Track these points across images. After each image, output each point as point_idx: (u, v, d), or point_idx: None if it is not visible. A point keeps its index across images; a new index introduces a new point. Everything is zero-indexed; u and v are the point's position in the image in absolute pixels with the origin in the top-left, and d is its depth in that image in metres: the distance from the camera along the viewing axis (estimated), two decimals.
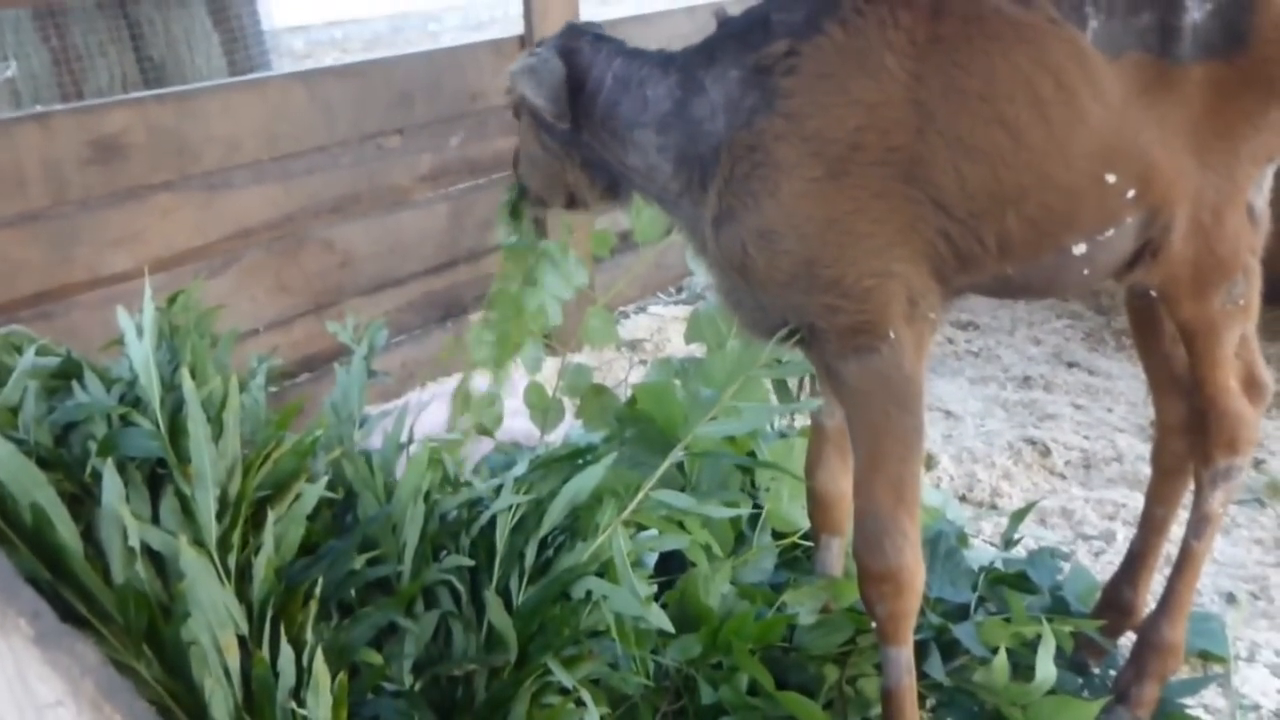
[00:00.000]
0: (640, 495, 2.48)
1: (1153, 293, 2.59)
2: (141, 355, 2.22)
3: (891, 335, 2.32)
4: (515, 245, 3.21)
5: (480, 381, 3.41)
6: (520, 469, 2.52)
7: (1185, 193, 2.39)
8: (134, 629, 1.98)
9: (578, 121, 2.54)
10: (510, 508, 2.40)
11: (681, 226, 2.61)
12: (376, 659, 2.22)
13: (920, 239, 2.31)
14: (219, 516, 2.12)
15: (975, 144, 2.25)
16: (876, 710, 2.75)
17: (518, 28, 4.98)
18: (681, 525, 2.71)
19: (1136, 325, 2.91)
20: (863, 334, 2.32)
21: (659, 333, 5.44)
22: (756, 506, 3.19)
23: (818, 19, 2.28)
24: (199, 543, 2.07)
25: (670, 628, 2.42)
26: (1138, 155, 2.32)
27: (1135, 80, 2.29)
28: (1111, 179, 2.32)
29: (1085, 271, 2.46)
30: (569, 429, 3.55)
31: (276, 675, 2.02)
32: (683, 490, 2.91)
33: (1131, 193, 2.35)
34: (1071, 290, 2.62)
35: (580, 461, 2.52)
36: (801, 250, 2.30)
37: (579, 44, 2.56)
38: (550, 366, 3.62)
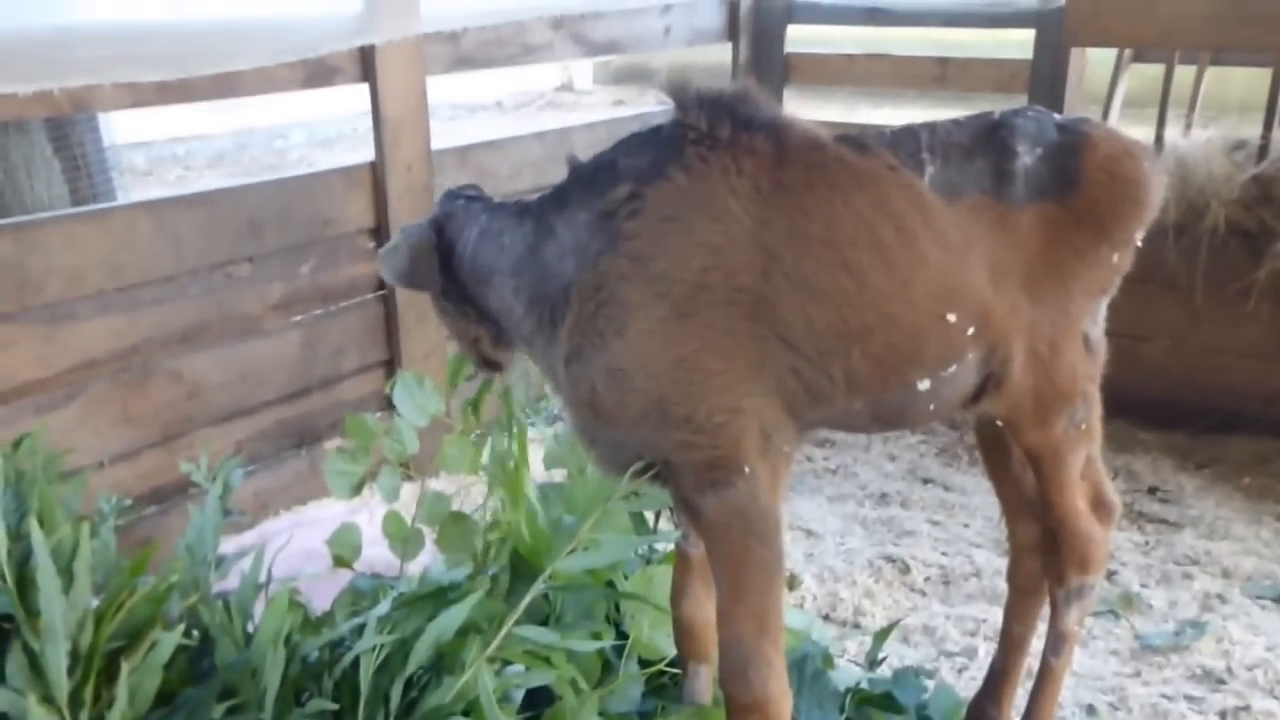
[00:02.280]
0: (505, 630, 2.51)
1: (999, 422, 2.73)
2: None
3: (746, 470, 2.39)
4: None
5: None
6: (384, 607, 2.52)
7: (1020, 328, 2.54)
8: None
9: (452, 283, 2.64)
10: (374, 648, 2.40)
11: (539, 366, 2.68)
12: None
13: (770, 375, 2.40)
14: (70, 671, 2.10)
15: (820, 286, 2.36)
16: None
17: (366, 144, 5.04)
18: (547, 660, 2.73)
19: (986, 452, 3.05)
20: (718, 469, 2.39)
21: None
22: (621, 634, 3.23)
23: (662, 164, 2.38)
24: (49, 700, 2.05)
25: None
26: (976, 294, 2.47)
27: (973, 222, 2.45)
28: (952, 317, 2.45)
29: (931, 406, 2.58)
30: (430, 559, 3.55)
31: None
32: (546, 621, 2.93)
33: (971, 330, 2.48)
34: (919, 423, 2.74)
35: (445, 599, 2.53)
36: (651, 388, 2.36)
37: (453, 208, 2.67)
38: (408, 492, 3.62)
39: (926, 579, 4.43)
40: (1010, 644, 3.16)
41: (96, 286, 4.09)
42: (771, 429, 2.43)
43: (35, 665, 2.08)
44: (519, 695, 2.76)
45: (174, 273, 4.31)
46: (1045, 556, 2.94)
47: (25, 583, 2.13)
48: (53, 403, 4.00)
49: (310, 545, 3.67)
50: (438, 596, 2.51)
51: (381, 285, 5.13)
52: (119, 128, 9.67)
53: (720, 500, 2.41)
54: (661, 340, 2.35)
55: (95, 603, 2.21)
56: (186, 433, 4.43)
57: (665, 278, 2.34)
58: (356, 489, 3.47)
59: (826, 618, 4.15)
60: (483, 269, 2.58)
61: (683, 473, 2.43)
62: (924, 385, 2.52)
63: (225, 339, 4.53)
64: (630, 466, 2.52)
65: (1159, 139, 5.60)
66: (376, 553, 3.59)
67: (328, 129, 14.17)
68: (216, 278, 4.48)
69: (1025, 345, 2.56)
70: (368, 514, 3.97)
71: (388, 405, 3.56)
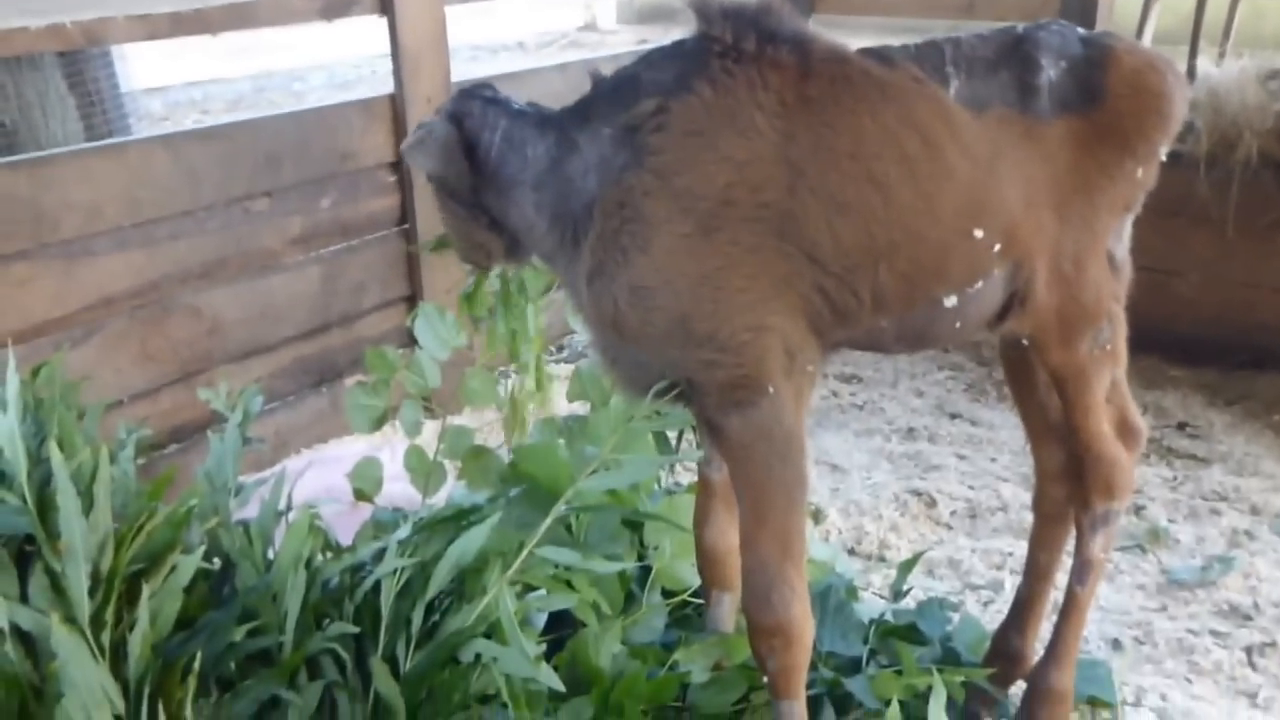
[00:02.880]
0: (525, 553, 2.52)
1: (1024, 341, 2.72)
2: (6, 429, 2.22)
3: (770, 389, 2.39)
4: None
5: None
6: (404, 532, 2.54)
7: (1046, 245, 2.54)
8: (4, 712, 1.96)
9: (476, 181, 2.59)
10: (395, 572, 2.42)
11: (562, 284, 2.68)
12: None
13: (795, 293, 2.40)
14: (91, 593, 2.12)
15: (846, 201, 2.36)
16: None
17: (386, 86, 5.02)
18: (570, 585, 2.75)
19: (1011, 375, 3.04)
20: (741, 388, 2.39)
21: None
22: (645, 565, 3.24)
23: (687, 78, 2.37)
24: (71, 621, 2.07)
25: (562, 687, 2.45)
26: (1003, 208, 2.46)
27: (999, 135, 2.43)
28: (979, 233, 2.45)
29: (957, 323, 2.58)
30: (451, 491, 3.57)
31: None
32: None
33: (998, 246, 2.48)
34: (945, 342, 2.74)
35: (465, 522, 2.54)
36: (674, 305, 2.36)
37: (470, 107, 2.61)
38: (430, 429, 3.63)
39: (952, 513, 4.43)
40: (1036, 573, 3.16)
41: (114, 222, 4.10)
42: (796, 348, 2.43)
43: (57, 586, 2.11)
44: (541, 619, 2.78)
45: (191, 208, 4.32)
46: (1070, 483, 2.93)
47: (46, 505, 2.15)
48: (71, 340, 4.02)
49: (331, 482, 3.69)
50: (458, 520, 2.53)
51: (403, 219, 5.13)
52: (136, 73, 9.69)
53: (744, 420, 2.41)
54: (685, 257, 2.34)
55: (115, 527, 2.23)
56: (206, 370, 4.45)
57: (690, 193, 2.34)
58: (377, 423, 3.48)
59: (851, 551, 4.16)
60: (505, 180, 2.55)
61: (706, 392, 2.44)
62: (950, 302, 2.52)
63: (244, 275, 4.55)
64: (653, 386, 2.52)
65: (1190, 69, 5.52)
66: (398, 488, 3.61)
67: (346, 71, 14.14)
68: (235, 212, 4.48)
69: (1050, 263, 2.55)
70: (389, 451, 3.98)
71: (409, 342, 3.55)
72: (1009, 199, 2.46)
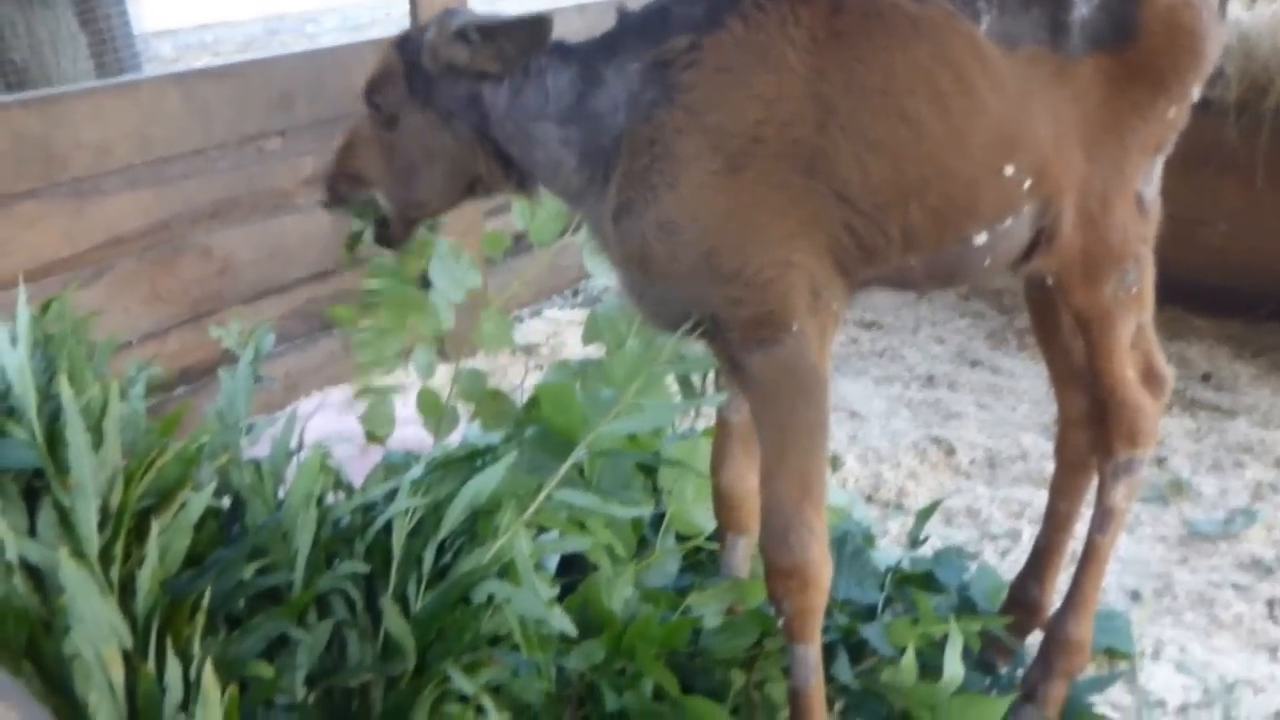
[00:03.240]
0: (542, 496, 2.52)
1: (1049, 282, 2.70)
2: (16, 364, 2.21)
3: (795, 327, 2.40)
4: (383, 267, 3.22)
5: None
6: (417, 472, 2.54)
7: (1074, 183, 2.52)
8: (13, 644, 1.98)
9: (465, 111, 2.55)
10: (407, 511, 2.41)
11: (585, 222, 2.66)
12: (267, 671, 2.22)
13: (822, 232, 2.40)
14: (100, 528, 2.13)
15: (877, 137, 2.36)
16: (784, 714, 2.80)
17: (402, 28, 4.98)
18: (584, 528, 2.74)
19: (1036, 318, 3.02)
20: (766, 326, 2.40)
21: (555, 336, 5.47)
22: (659, 509, 3.24)
23: (719, 13, 2.36)
24: (79, 555, 2.07)
25: (574, 631, 2.45)
26: (1034, 145, 2.45)
27: (1031, 72, 2.41)
28: (1009, 169, 2.44)
29: (986, 261, 2.57)
30: (465, 432, 3.57)
31: (163, 690, 2.03)
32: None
33: (1028, 183, 2.47)
34: (972, 281, 2.72)
35: (478, 463, 2.54)
36: (701, 242, 2.36)
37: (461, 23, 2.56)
38: (443, 372, 3.63)
39: (972, 461, 4.42)
40: (1055, 522, 3.15)
41: (124, 161, 4.09)
42: (821, 286, 2.43)
43: (66, 521, 2.11)
44: (553, 562, 2.78)
45: (203, 146, 4.30)
46: (1093, 430, 2.91)
47: (55, 440, 2.15)
48: (81, 280, 4.02)
49: (343, 425, 3.69)
50: (471, 460, 2.52)
51: None
52: (146, 15, 9.65)
53: (767, 358, 2.42)
54: (714, 193, 2.35)
55: (124, 463, 2.23)
56: (216, 310, 4.45)
57: (720, 130, 2.34)
58: (390, 365, 3.47)
59: (869, 499, 4.16)
60: (525, 111, 2.52)
61: (730, 329, 2.44)
62: (980, 240, 2.51)
63: (256, 215, 4.53)
64: (677, 323, 2.52)
65: (1221, 12, 5.44)
66: (410, 432, 3.61)
67: (360, 14, 14.06)
68: (247, 152, 4.46)
69: (1078, 201, 2.54)
70: (401, 395, 3.98)
71: (423, 285, 3.54)
72: (1039, 136, 2.44)
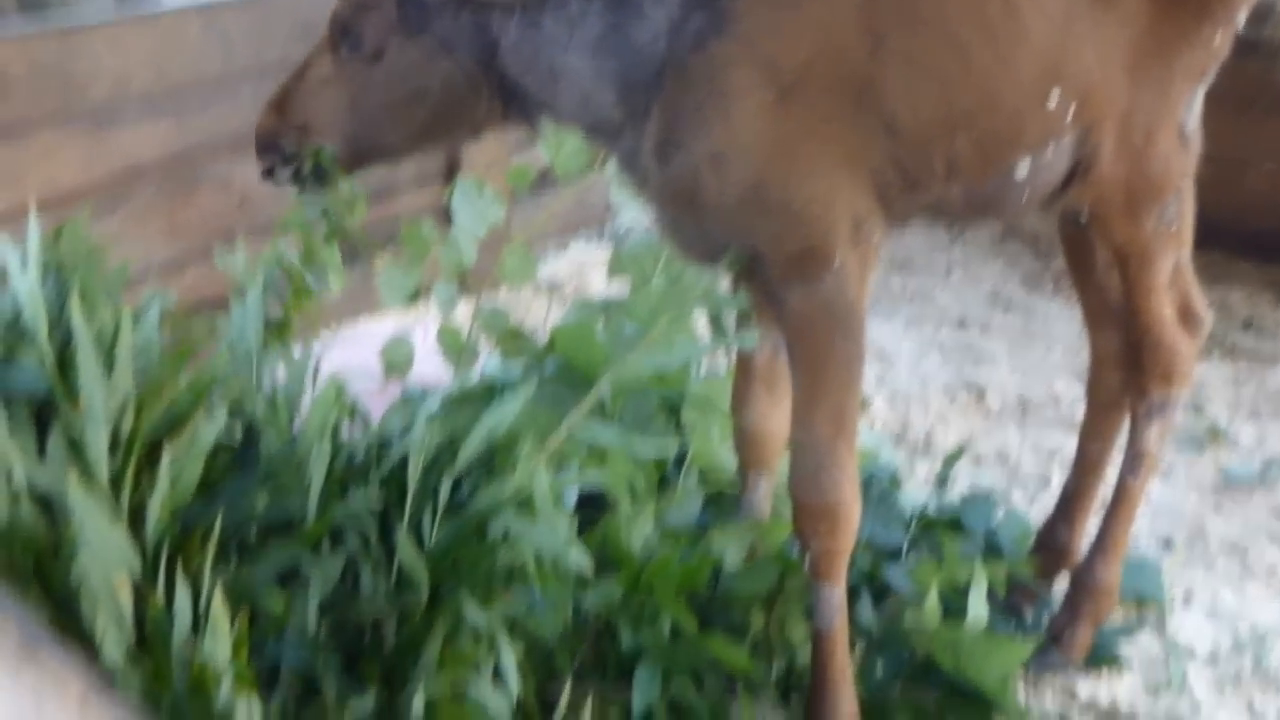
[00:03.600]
0: (562, 429, 2.50)
1: (1087, 216, 2.66)
2: (27, 287, 2.20)
3: (837, 261, 2.39)
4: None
5: None
6: (433, 404, 2.52)
7: (1117, 110, 2.50)
8: (20, 569, 1.97)
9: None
10: (423, 443, 2.40)
11: (616, 157, 2.61)
12: (279, 601, 2.23)
13: (868, 163, 2.40)
14: (111, 454, 2.13)
15: (926, 67, 2.36)
16: (804, 655, 2.80)
17: None
18: (604, 464, 2.73)
19: (1070, 255, 2.99)
20: (808, 260, 2.39)
21: (580, 274, 5.42)
22: (682, 448, 3.23)
23: None
24: (89, 481, 2.06)
25: (591, 568, 2.45)
26: (1079, 71, 2.43)
27: None
28: (1054, 97, 2.43)
29: (1026, 191, 2.56)
30: (484, 367, 3.55)
31: (172, 618, 2.03)
32: None
33: (1072, 109, 2.45)
34: (1008, 212, 2.68)
35: (496, 397, 2.51)
36: (750, 174, 2.35)
37: None
38: (464, 308, 3.60)
39: (1002, 405, 4.37)
40: (1086, 464, 3.12)
41: (143, 90, 4.06)
42: (863, 219, 2.42)
43: (76, 447, 2.11)
44: (572, 497, 2.76)
45: (223, 75, 4.26)
46: (1127, 370, 2.88)
47: (65, 364, 2.15)
48: (98, 210, 3.98)
49: (361, 360, 3.67)
50: (489, 393, 2.50)
51: None
52: None
53: (806, 293, 2.41)
54: (765, 125, 2.34)
55: (136, 390, 2.22)
56: (233, 243, 4.42)
57: (773, 61, 2.32)
58: (410, 299, 3.45)
59: (896, 441, 4.12)
60: (549, 43, 2.43)
61: (771, 264, 2.43)
62: (1022, 169, 2.50)
63: None
64: (714, 258, 2.51)
65: None
66: (429, 368, 3.59)
67: None
68: (268, 82, 4.39)
69: (1119, 131, 2.52)
70: (421, 331, 3.96)
71: (446, 220, 3.51)
72: (1085, 62, 2.44)
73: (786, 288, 2.43)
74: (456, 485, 2.44)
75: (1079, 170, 2.56)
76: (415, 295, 3.45)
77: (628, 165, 2.57)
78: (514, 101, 2.56)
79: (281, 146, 2.63)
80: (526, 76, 2.49)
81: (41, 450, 2.12)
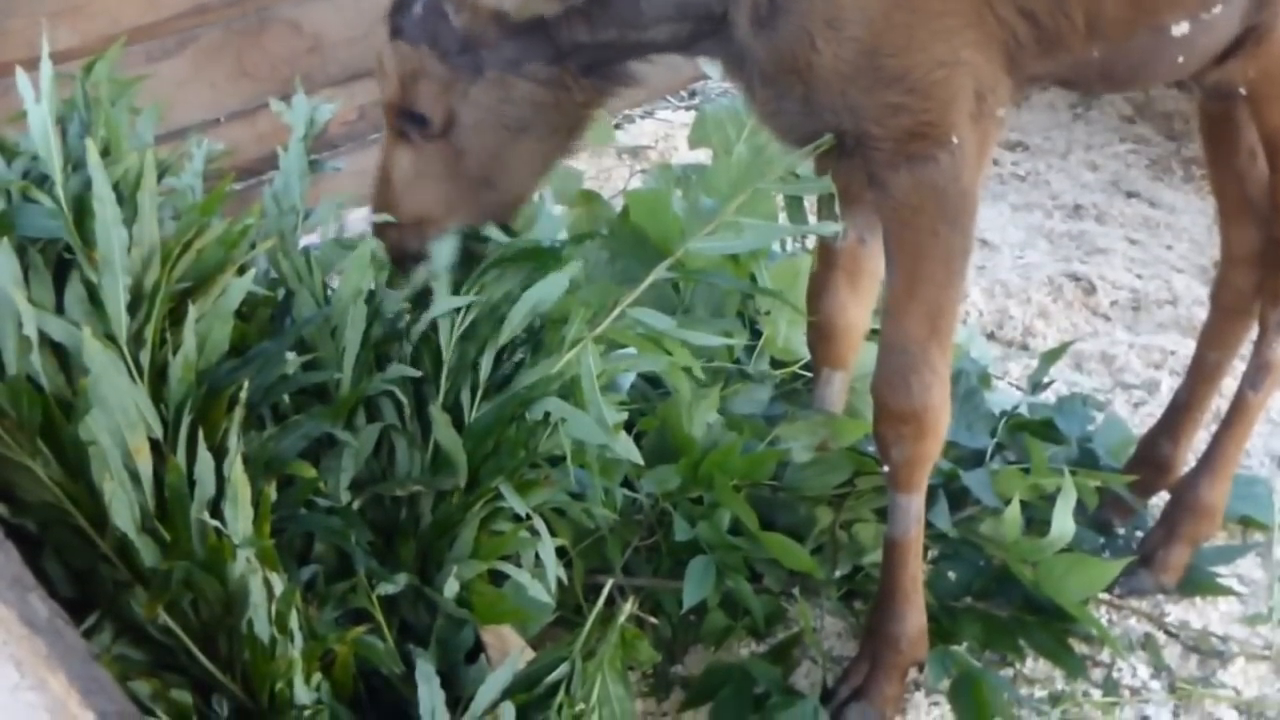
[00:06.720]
0: (617, 311, 2.41)
1: (1241, 92, 2.52)
2: (39, 123, 2.13)
3: (954, 140, 2.27)
4: None
5: None
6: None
7: None
8: (27, 424, 1.94)
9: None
10: (456, 311, 2.32)
11: (722, 61, 2.49)
12: (310, 472, 2.19)
13: (996, 20, 2.25)
14: (131, 309, 2.07)
15: None
16: (870, 558, 2.75)
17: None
18: (661, 347, 2.65)
19: (1209, 136, 2.83)
20: (922, 138, 2.27)
21: (665, 140, 5.31)
22: (755, 334, 3.15)
23: None
24: (108, 336, 2.02)
25: (639, 458, 2.39)
26: None
27: None
28: None
29: (1180, 58, 2.40)
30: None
31: (192, 484, 2.00)
32: (674, 314, 2.83)
33: None
34: (1157, 82, 2.55)
35: (544, 262, 2.41)
36: (867, 37, 2.22)
37: None
38: None
39: (1113, 302, 4.23)
40: (1202, 373, 3.00)
41: None
42: (987, 88, 2.29)
43: (94, 299, 2.05)
44: (625, 383, 2.68)
45: None
46: (1260, 272, 2.77)
47: (83, 211, 2.08)
48: (163, 51, 3.95)
49: None
50: (535, 258, 2.40)
51: None
52: None
53: (916, 176, 2.29)
54: None
55: (163, 241, 2.16)
56: (307, 92, 4.36)
57: None
58: None
59: (991, 336, 4.03)
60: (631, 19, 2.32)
61: (880, 143, 2.30)
62: (1179, 30, 2.33)
63: None
64: (813, 139, 2.37)
65: None
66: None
67: None
68: None
69: None
70: None
71: None
72: None
73: (893, 171, 2.31)
74: (498, 360, 2.37)
75: (1249, 38, 2.38)
76: None
77: (724, 54, 2.43)
78: (600, 68, 2.44)
79: (413, 252, 2.49)
80: (608, 30, 2.35)
81: (60, 301, 2.07)
